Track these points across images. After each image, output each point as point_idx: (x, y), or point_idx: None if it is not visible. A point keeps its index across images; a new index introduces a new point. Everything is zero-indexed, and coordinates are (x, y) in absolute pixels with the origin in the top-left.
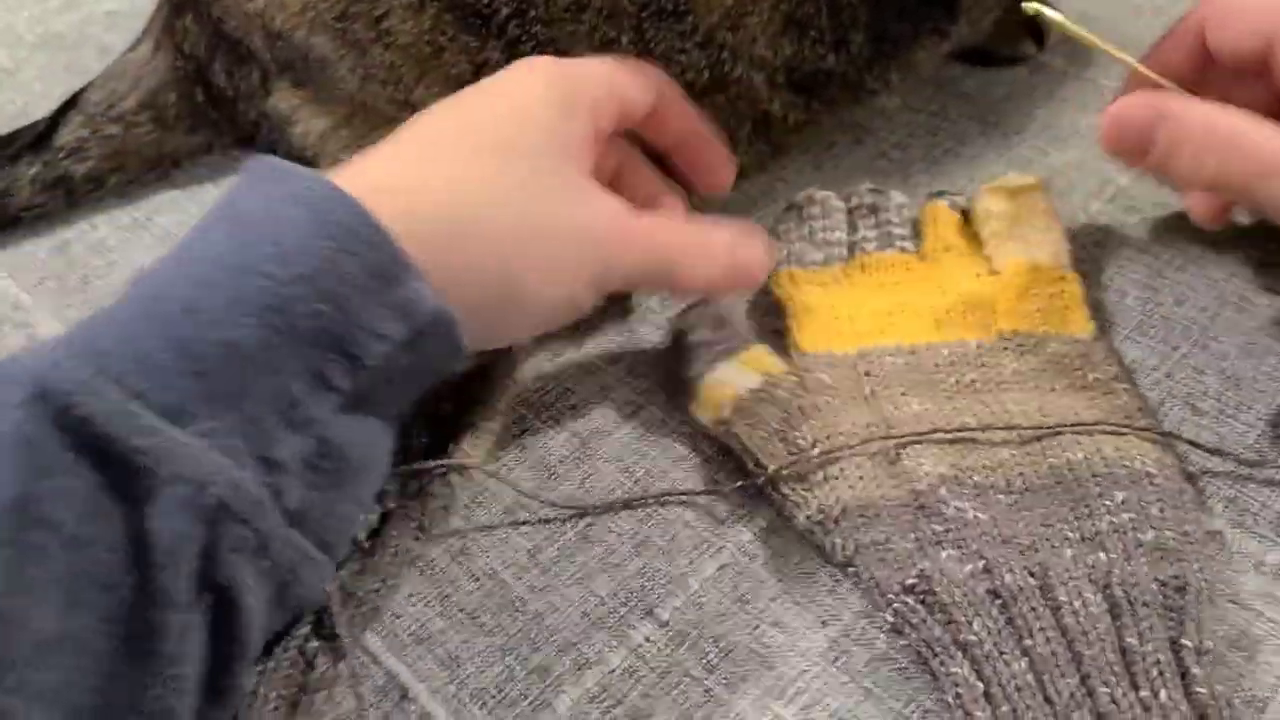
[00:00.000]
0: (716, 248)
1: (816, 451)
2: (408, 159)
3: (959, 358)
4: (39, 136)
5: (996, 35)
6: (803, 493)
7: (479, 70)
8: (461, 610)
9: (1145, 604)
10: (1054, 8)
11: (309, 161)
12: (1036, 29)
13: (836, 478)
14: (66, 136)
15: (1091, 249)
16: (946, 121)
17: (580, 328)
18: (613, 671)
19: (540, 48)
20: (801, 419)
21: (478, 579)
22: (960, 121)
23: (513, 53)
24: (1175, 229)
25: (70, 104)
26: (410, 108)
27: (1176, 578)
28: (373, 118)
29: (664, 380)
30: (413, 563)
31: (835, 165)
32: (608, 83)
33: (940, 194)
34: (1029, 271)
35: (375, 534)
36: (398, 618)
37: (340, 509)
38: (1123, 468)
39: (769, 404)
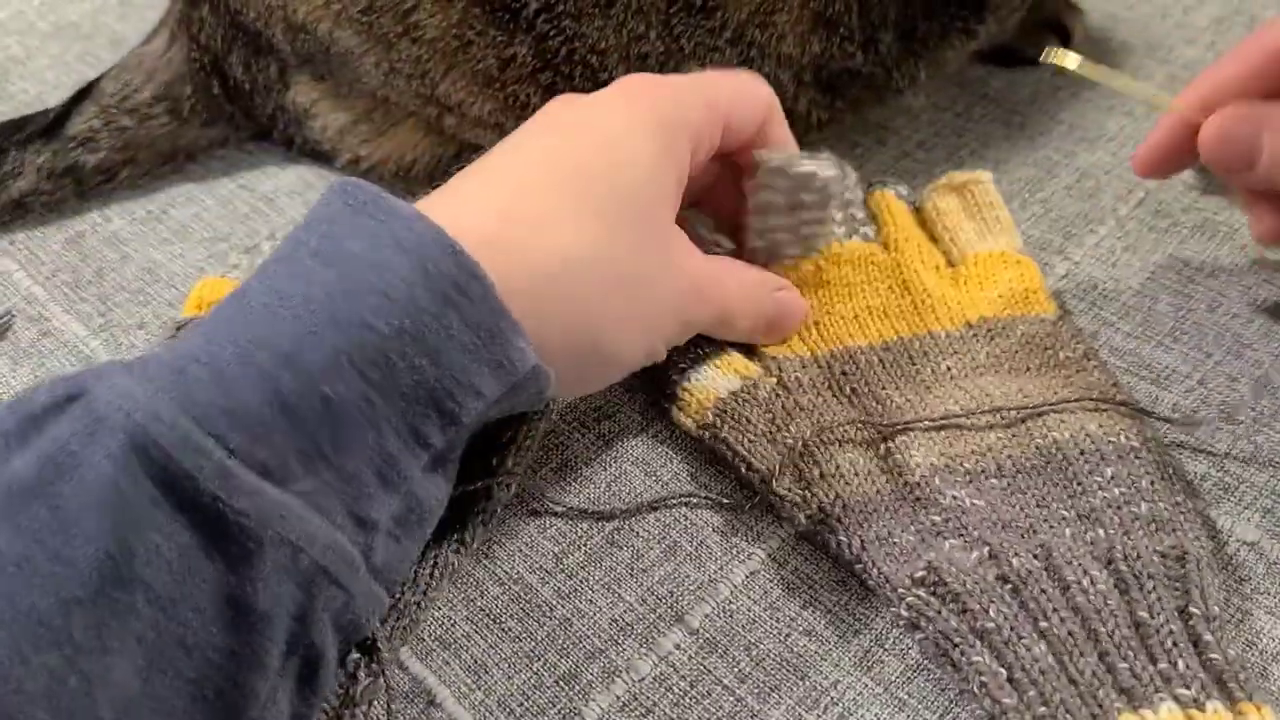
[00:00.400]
0: (764, 300)
1: (810, 440)
2: (501, 198)
3: (930, 348)
4: (51, 124)
5: (1022, 35)
6: (800, 492)
7: (506, 65)
8: (487, 615)
9: (1150, 576)
10: (1074, 50)
11: (326, 155)
12: (1062, 29)
13: (834, 475)
14: (79, 126)
15: (1120, 253)
16: (971, 122)
17: None
18: (642, 680)
19: (568, 42)
20: (788, 418)
21: (503, 583)
22: (985, 123)
23: (540, 47)
24: (1206, 234)
25: (84, 94)
26: (434, 102)
27: (1175, 548)
28: (394, 112)
29: (642, 387)
30: (453, 576)
31: (858, 166)
32: (709, 102)
33: (881, 184)
34: (987, 260)
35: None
36: (423, 622)
37: (411, 555)
38: (1109, 444)
39: (753, 405)
